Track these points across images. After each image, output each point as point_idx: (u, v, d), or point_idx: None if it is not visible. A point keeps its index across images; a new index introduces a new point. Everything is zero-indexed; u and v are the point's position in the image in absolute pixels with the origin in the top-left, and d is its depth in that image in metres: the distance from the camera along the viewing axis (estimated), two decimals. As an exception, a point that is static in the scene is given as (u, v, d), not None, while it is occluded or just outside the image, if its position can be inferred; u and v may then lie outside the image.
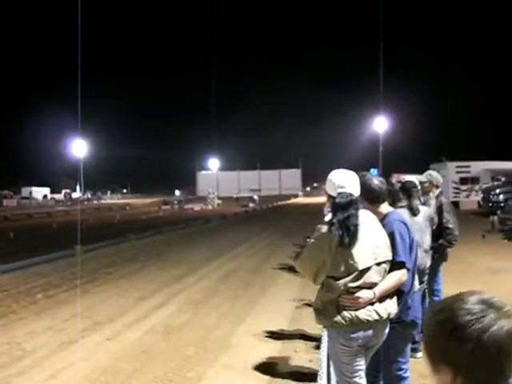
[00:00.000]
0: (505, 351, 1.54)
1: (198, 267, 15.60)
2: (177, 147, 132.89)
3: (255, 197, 73.83)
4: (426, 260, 7.05)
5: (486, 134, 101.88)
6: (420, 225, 6.88)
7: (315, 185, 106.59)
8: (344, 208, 4.04)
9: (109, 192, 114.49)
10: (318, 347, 6.85)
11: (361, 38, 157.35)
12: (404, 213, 6.49)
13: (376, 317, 3.99)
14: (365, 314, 3.96)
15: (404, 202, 6.74)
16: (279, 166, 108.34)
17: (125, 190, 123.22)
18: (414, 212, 6.76)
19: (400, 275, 4.25)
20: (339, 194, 4.12)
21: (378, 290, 4.06)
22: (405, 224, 4.58)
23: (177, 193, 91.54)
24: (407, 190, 6.89)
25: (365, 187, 4.39)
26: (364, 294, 3.99)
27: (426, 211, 7.09)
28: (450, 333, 1.58)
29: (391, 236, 4.29)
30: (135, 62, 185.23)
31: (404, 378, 4.77)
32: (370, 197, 4.53)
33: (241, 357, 7.48)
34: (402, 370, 4.73)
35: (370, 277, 3.99)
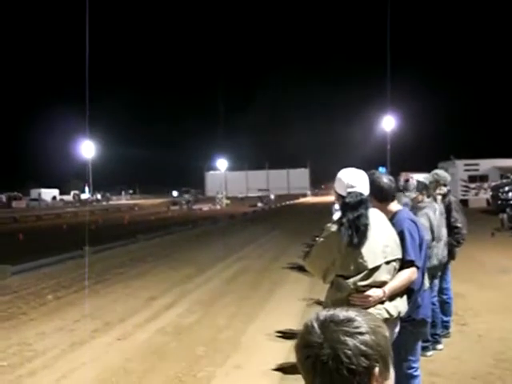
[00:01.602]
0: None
1: (207, 267, 15.61)
2: (185, 147, 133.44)
3: (272, 196, 74.03)
4: (446, 252, 7.20)
5: (494, 132, 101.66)
6: (438, 220, 7.06)
7: (323, 187, 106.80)
8: (354, 208, 4.03)
9: (123, 192, 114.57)
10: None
11: (368, 38, 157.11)
12: (429, 212, 6.80)
13: (386, 315, 3.98)
14: (375, 312, 3.93)
15: (425, 203, 6.97)
16: (287, 165, 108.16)
17: (130, 191, 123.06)
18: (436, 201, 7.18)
19: (410, 273, 4.25)
20: (349, 193, 4.11)
21: (388, 289, 4.05)
22: (414, 222, 4.58)
23: (174, 193, 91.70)
24: (425, 186, 7.22)
25: (374, 185, 4.40)
26: (374, 293, 3.99)
27: (440, 207, 7.28)
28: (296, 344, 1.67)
29: (401, 235, 4.29)
30: (143, 63, 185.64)
31: (414, 377, 4.77)
32: (379, 195, 4.53)
33: (251, 357, 7.49)
34: (412, 368, 4.72)
35: (379, 275, 3.99)
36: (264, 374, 6.78)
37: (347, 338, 1.52)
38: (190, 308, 10.57)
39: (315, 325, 1.59)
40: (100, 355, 7.79)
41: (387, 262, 4.02)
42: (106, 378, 6.82)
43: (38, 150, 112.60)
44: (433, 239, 6.88)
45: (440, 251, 7.05)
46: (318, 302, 9.60)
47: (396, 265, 4.11)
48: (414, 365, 4.76)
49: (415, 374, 4.76)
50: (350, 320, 1.58)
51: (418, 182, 7.29)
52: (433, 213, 6.94)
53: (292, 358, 7.23)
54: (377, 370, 1.52)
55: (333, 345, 1.51)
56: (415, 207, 6.96)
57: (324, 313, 1.65)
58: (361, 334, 1.54)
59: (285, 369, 6.90)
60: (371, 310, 3.94)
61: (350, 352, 1.50)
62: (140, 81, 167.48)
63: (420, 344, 5.01)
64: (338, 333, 1.53)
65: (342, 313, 1.62)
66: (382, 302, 4.04)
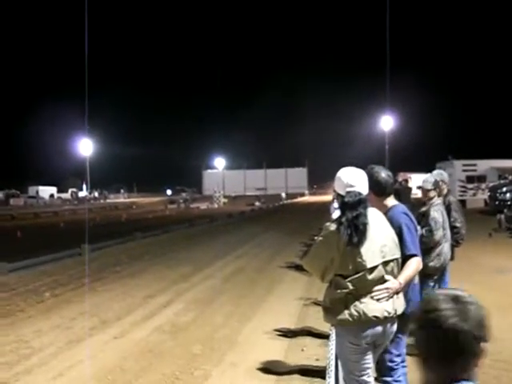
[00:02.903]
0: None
1: (204, 266, 15.63)
2: (183, 146, 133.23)
3: (283, 195, 74.68)
4: (449, 255, 7.33)
5: (493, 132, 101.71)
6: (447, 222, 7.25)
7: (315, 187, 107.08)
8: (353, 207, 4.04)
9: (121, 190, 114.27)
10: (325, 345, 6.86)
11: (367, 38, 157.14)
12: (443, 209, 7.07)
13: (385, 314, 3.99)
14: (373, 311, 3.96)
15: (438, 200, 7.22)
16: (285, 164, 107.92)
17: (122, 190, 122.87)
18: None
19: (417, 263, 4.36)
20: (348, 192, 4.12)
21: (402, 279, 4.13)
22: (409, 216, 4.62)
23: (168, 192, 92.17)
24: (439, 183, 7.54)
25: (372, 179, 4.43)
26: (392, 285, 4.03)
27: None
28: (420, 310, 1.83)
29: (399, 230, 4.32)
30: (142, 62, 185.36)
31: (394, 370, 4.81)
32: (376, 189, 4.56)
33: (248, 355, 7.49)
34: (393, 362, 4.76)
35: (377, 275, 4.00)
36: (260, 373, 6.79)
37: (473, 308, 1.74)
38: (186, 307, 10.57)
39: (442, 296, 1.78)
40: (97, 353, 7.78)
41: (385, 262, 4.03)
42: (102, 376, 6.82)
43: (36, 147, 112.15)
44: (444, 235, 7.04)
45: (447, 250, 7.17)
46: (316, 302, 9.62)
47: (394, 265, 4.12)
48: (396, 359, 4.79)
49: (396, 367, 4.81)
50: (471, 296, 1.80)
51: (436, 179, 7.64)
52: (444, 211, 7.17)
53: (288, 357, 7.26)
54: (485, 345, 1.73)
55: (461, 310, 1.72)
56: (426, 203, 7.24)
57: (446, 292, 1.84)
58: (482, 308, 1.77)
59: (281, 367, 6.92)
60: (369, 309, 3.94)
61: (476, 318, 1.72)
62: (138, 79, 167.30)
63: (405, 338, 5.03)
64: (466, 304, 1.74)
65: (460, 291, 1.83)
66: (396, 295, 4.08)
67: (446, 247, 7.18)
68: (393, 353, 4.76)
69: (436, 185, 7.50)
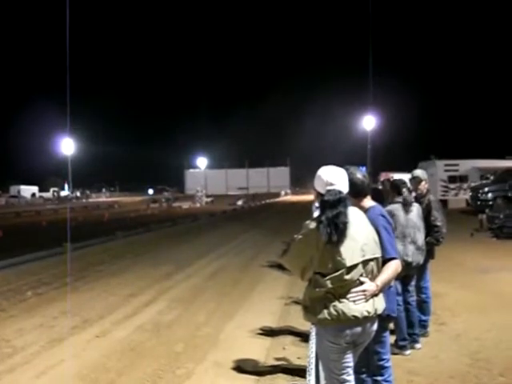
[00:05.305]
0: None
1: (187, 265, 15.63)
2: (165, 145, 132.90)
3: (283, 192, 75.90)
4: (419, 257, 7.24)
5: (475, 133, 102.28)
6: (414, 222, 7.18)
7: (297, 189, 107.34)
8: (333, 205, 4.02)
9: (103, 189, 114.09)
10: (306, 344, 6.90)
11: (349, 37, 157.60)
12: (398, 209, 6.94)
13: (365, 313, 4.00)
14: (353, 311, 3.97)
15: (399, 198, 7.16)
16: (267, 163, 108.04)
17: (112, 188, 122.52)
18: (407, 206, 7.21)
19: (396, 265, 4.33)
20: (328, 191, 4.12)
21: (379, 282, 4.12)
22: (386, 218, 4.64)
23: (150, 191, 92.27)
24: (397, 186, 7.27)
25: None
26: (369, 287, 4.03)
27: (418, 209, 7.37)
28: None
29: (377, 232, 4.31)
30: (123, 61, 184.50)
31: (386, 368, 4.89)
32: (353, 191, 4.48)
33: (230, 353, 7.50)
34: (383, 359, 4.92)
35: (357, 274, 4.02)
36: (242, 371, 6.81)
37: None
38: (169, 305, 10.58)
39: None
40: (79, 352, 7.78)
41: (365, 261, 4.05)
42: (85, 375, 6.82)
43: (18, 146, 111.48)
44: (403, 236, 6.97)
45: (410, 253, 7.05)
46: (297, 301, 9.66)
47: (374, 264, 4.12)
48: (385, 356, 4.90)
49: (386, 365, 4.92)
50: None
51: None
52: (402, 211, 7.10)
53: (270, 356, 7.29)
54: None
55: None
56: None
57: None
58: None
59: (263, 366, 6.95)
60: (349, 309, 3.96)
61: None
62: (121, 79, 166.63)
63: (388, 336, 5.09)
64: None
65: None
66: (376, 295, 4.09)
67: (408, 249, 7.12)
68: (380, 352, 4.86)
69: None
